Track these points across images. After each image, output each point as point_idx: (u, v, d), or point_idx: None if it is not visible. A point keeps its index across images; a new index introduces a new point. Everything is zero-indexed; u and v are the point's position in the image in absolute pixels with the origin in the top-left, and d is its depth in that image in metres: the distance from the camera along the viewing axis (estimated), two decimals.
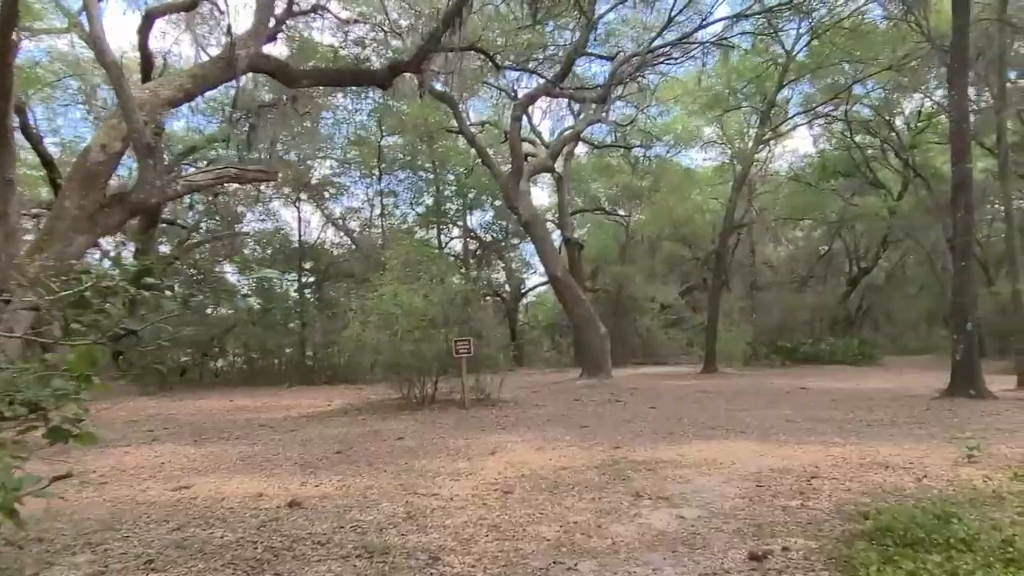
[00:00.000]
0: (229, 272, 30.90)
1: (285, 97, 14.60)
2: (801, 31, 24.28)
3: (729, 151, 33.12)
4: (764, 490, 5.99)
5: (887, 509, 4.81)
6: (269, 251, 29.89)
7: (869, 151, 30.83)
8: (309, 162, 27.52)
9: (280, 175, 12.98)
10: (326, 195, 31.87)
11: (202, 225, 28.32)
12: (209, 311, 25.47)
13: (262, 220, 31.11)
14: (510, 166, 19.90)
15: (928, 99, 28.17)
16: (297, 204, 29.48)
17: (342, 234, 31.85)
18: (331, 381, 20.94)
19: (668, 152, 34.94)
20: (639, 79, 22.84)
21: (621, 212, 36.38)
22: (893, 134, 29.49)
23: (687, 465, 7.27)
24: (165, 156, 19.66)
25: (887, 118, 29.26)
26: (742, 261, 37.16)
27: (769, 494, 5.84)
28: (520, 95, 23.68)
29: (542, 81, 20.09)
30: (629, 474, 6.89)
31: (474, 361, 14.55)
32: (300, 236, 29.49)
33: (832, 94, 25.52)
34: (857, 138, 30.05)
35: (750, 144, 27.12)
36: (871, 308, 39.78)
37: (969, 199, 12.60)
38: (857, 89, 26.21)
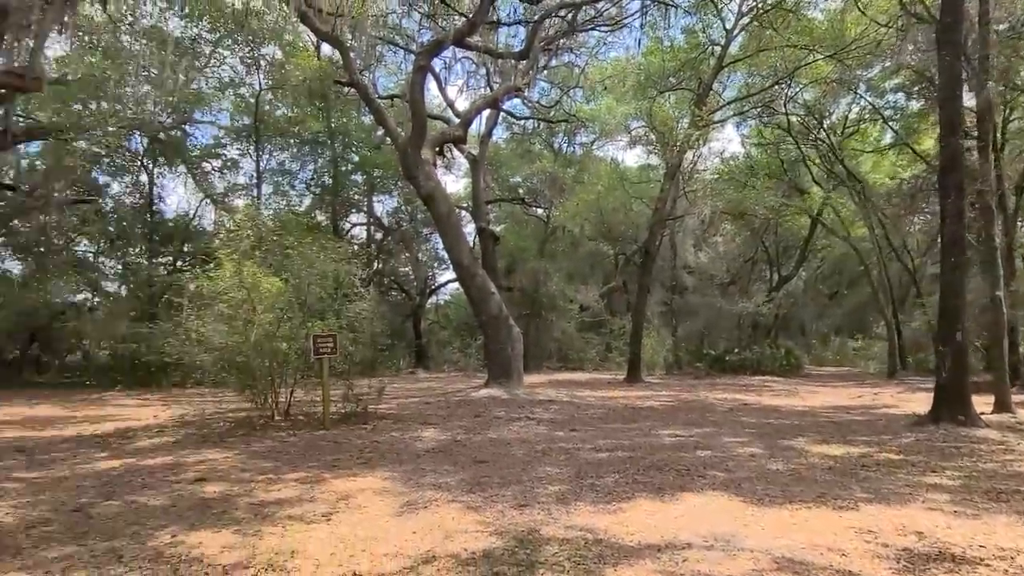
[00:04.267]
0: (84, 249, 26.44)
1: None
2: (743, 10, 22.22)
3: (658, 145, 30.92)
4: None
5: None
6: (138, 228, 25.61)
7: (794, 154, 29.20)
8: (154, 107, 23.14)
9: (44, 84, 9.37)
10: (207, 167, 27.75)
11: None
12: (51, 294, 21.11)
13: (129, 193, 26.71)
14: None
15: (859, 102, 26.78)
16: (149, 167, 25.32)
17: (223, 214, 27.70)
18: (182, 384, 17.09)
19: (594, 142, 32.49)
20: (568, 44, 20.08)
21: (541, 205, 33.58)
22: (823, 135, 27.93)
23: (635, 548, 4.35)
24: None
25: (817, 119, 27.69)
26: (662, 265, 35.16)
27: None
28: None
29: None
30: (541, 573, 3.91)
31: (349, 364, 11.38)
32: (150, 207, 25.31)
33: (772, 80, 23.50)
34: (784, 142, 28.34)
35: (680, 136, 24.89)
36: (788, 317, 38.69)
37: (960, 180, 10.41)
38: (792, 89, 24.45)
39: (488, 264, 23.94)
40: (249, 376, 10.46)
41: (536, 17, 17.50)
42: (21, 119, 21.71)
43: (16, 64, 7.61)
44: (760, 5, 21.18)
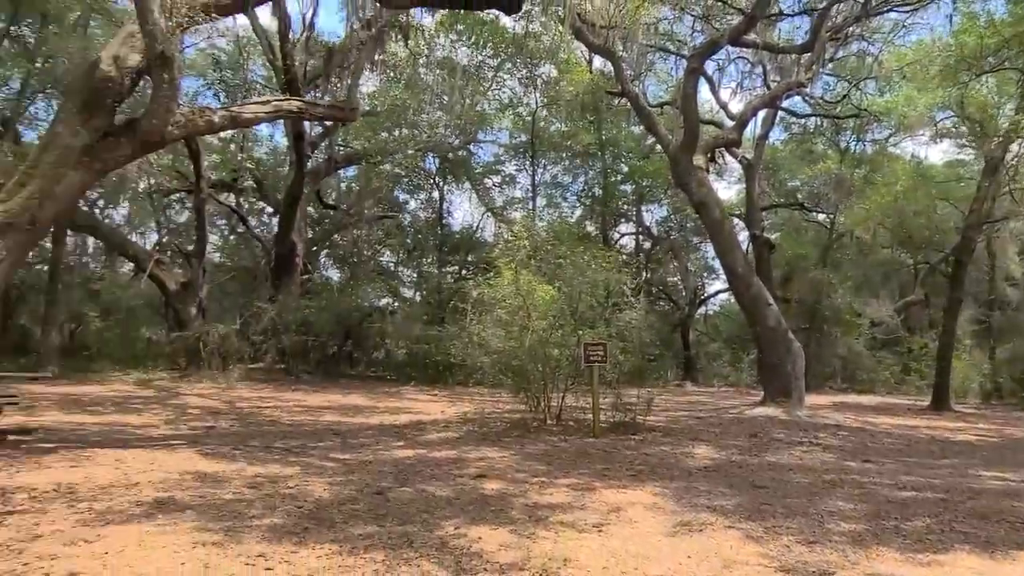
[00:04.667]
0: (386, 259, 30.15)
1: (381, 21, 12.10)
2: None
3: (971, 138, 26.46)
4: None
5: None
6: (431, 240, 28.60)
7: None
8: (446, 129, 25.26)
9: (358, 114, 10.74)
10: (489, 183, 30.01)
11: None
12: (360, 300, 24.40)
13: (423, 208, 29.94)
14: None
15: None
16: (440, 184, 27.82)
17: (501, 226, 29.67)
18: (465, 383, 18.52)
19: (889, 137, 28.92)
20: (859, 31, 18.09)
21: (823, 210, 30.72)
22: None
23: None
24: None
25: None
26: (976, 276, 30.00)
27: None
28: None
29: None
30: None
31: (618, 373, 11.34)
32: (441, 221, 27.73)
33: None
34: None
35: (1005, 124, 20.99)
36: None
37: None
38: None
39: (762, 273, 22.46)
40: (524, 379, 10.91)
41: (823, 4, 16.03)
42: (341, 148, 25.42)
43: (338, 99, 8.79)
44: None
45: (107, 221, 25.05)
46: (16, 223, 6.81)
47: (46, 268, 22.07)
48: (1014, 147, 20.63)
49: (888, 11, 17.63)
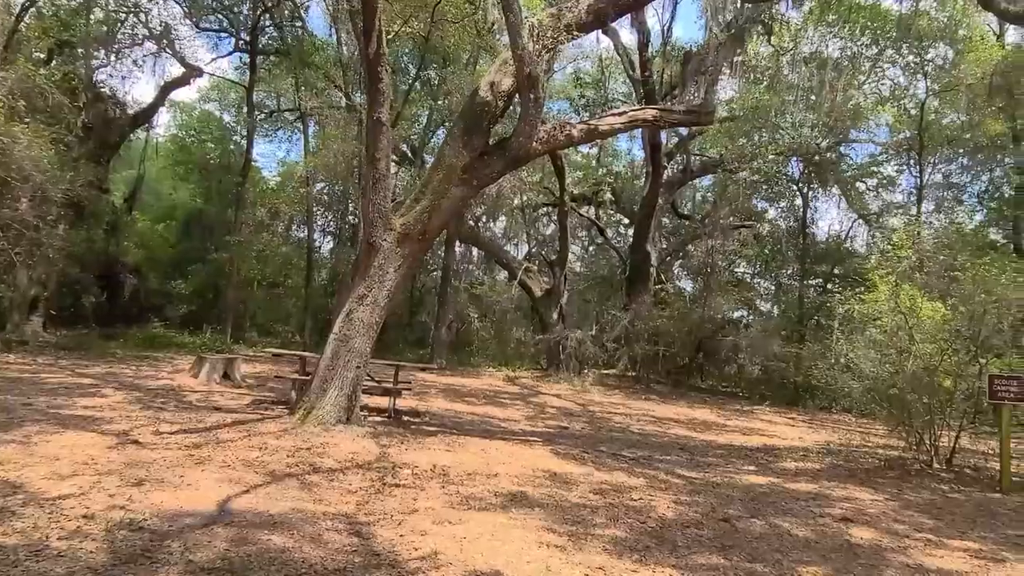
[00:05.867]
0: (742, 270, 28.92)
1: (741, 19, 11.06)
2: None
3: None
4: None
5: None
6: (791, 250, 26.66)
7: None
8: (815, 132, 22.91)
9: (715, 117, 9.99)
10: (861, 187, 26.85)
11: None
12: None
13: (784, 216, 28.03)
14: None
15: None
16: (803, 190, 25.52)
17: (875, 234, 26.27)
18: (828, 408, 16.68)
19: None
20: None
21: None
22: None
23: None
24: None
25: None
26: None
27: None
28: None
29: None
30: None
31: None
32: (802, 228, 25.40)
33: None
34: None
35: None
36: None
37: None
38: None
39: None
40: (903, 411, 9.31)
41: None
42: (697, 157, 25.07)
43: (693, 103, 8.52)
44: None
45: (487, 234, 28.36)
46: (411, 234, 7.93)
47: (439, 274, 25.82)
48: None
49: None
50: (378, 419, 9.32)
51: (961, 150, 25.57)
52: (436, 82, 23.73)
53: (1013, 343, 9.38)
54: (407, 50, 24.34)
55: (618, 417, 13.01)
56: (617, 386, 18.94)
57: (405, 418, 9.75)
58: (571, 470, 7.25)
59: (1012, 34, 20.90)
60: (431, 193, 7.67)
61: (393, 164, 26.08)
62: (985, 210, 26.53)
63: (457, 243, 24.95)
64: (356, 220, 25.44)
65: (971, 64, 21.53)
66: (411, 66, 24.03)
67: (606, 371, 20.36)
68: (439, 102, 23.46)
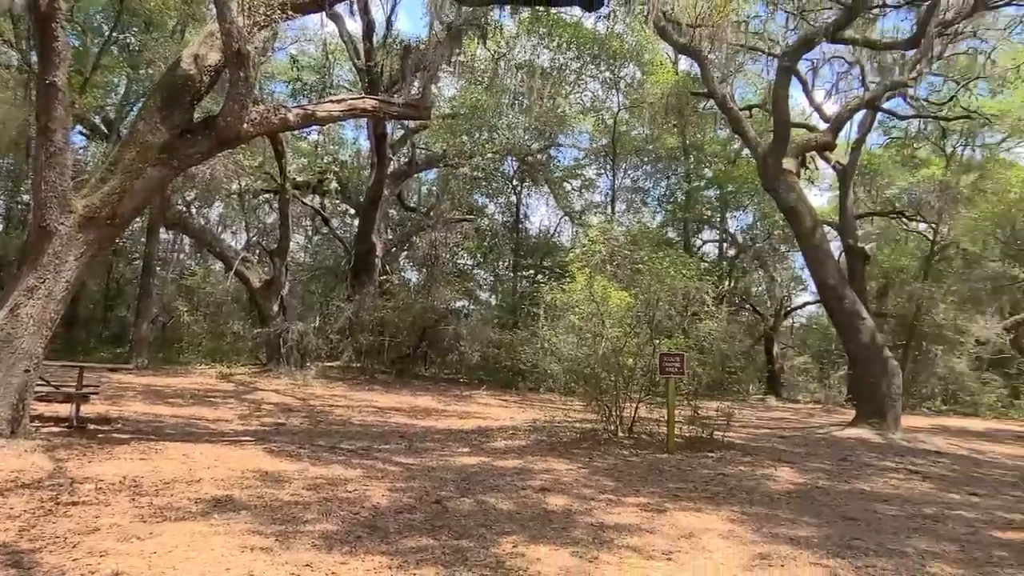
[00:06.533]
0: (464, 262, 30.23)
1: (459, 20, 11.87)
2: None
3: None
4: None
5: None
6: (507, 244, 28.52)
7: None
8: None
9: (431, 112, 10.56)
10: (568, 187, 29.68)
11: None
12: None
13: (501, 212, 29.90)
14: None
15: None
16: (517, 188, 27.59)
17: (578, 230, 29.27)
18: (536, 389, 18.21)
19: (1002, 142, 26.87)
20: (971, 26, 16.77)
21: (925, 219, 28.78)
22: None
23: None
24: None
25: None
26: None
27: None
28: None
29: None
30: None
31: (696, 385, 10.81)
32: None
33: None
34: None
35: None
36: None
37: None
38: None
39: (857, 286, 21.11)
40: (595, 388, 10.51)
41: None
42: (423, 151, 25.64)
43: (413, 97, 8.67)
44: None
45: (200, 221, 26.09)
46: (98, 217, 6.97)
47: (141, 263, 23.19)
48: None
49: (1006, 5, 16.24)
50: (56, 430, 8.09)
51: (646, 159, 29.51)
52: (137, 48, 21.18)
53: (678, 325, 11.08)
54: (100, 8, 21.41)
55: (339, 410, 12.84)
56: (341, 378, 18.68)
57: (92, 426, 8.58)
58: (284, 468, 6.98)
59: (684, 62, 24.59)
60: (122, 172, 6.78)
61: (82, 137, 22.94)
62: (663, 212, 30.95)
63: (163, 230, 22.60)
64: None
65: (653, 85, 24.89)
66: (105, 26, 21.17)
67: (330, 364, 19.97)
68: (140, 71, 20.98)
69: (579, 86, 26.21)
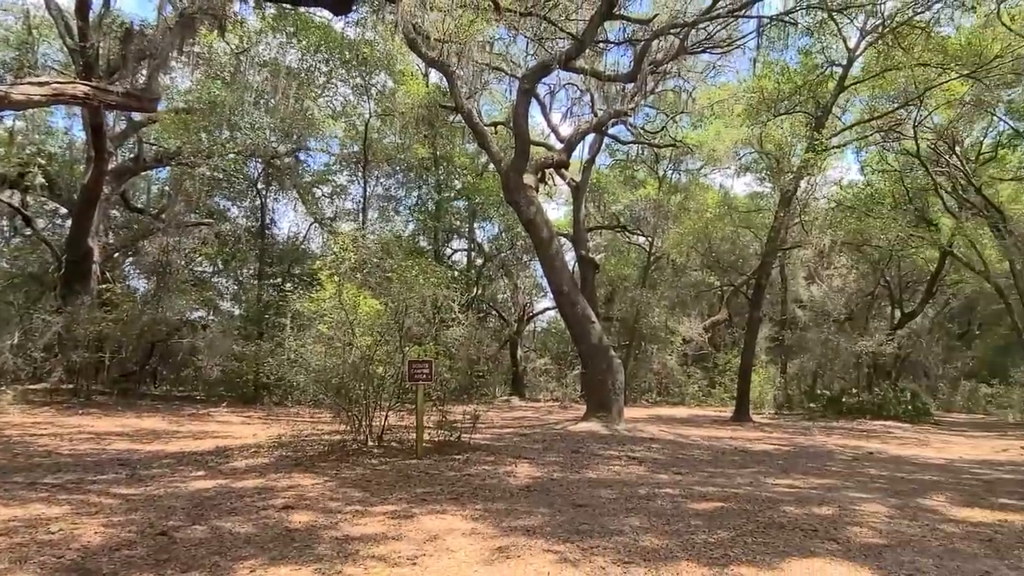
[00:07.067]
0: (202, 269, 27.91)
1: (192, 7, 11.00)
2: (867, 29, 20.93)
3: (769, 173, 29.37)
4: None
5: None
6: (252, 250, 26.75)
7: (922, 181, 26.86)
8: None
9: (157, 105, 9.69)
10: (318, 192, 28.81)
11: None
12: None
13: (246, 216, 28.06)
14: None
15: (997, 126, 24.69)
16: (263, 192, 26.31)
17: (329, 237, 28.53)
18: (282, 403, 17.39)
19: (700, 168, 31.43)
20: (676, 68, 19.41)
21: (643, 233, 32.67)
22: (955, 161, 25.57)
23: None
24: None
25: (949, 144, 25.43)
26: (770, 298, 33.32)
27: None
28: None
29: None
30: None
31: (444, 390, 11.09)
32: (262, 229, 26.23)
33: (900, 102, 21.95)
34: (911, 169, 26.20)
35: (796, 161, 23.55)
36: (910, 358, 35.64)
37: None
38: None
39: (587, 292, 23.32)
40: (344, 399, 10.32)
41: (646, 37, 16.99)
42: (152, 146, 23.20)
43: (136, 87, 7.81)
44: (888, 23, 19.77)
45: None
46: None
47: None
48: (803, 183, 23.10)
49: (702, 52, 19.04)
50: None
51: (398, 168, 29.70)
52: None
53: (428, 332, 11.30)
54: None
55: (44, 439, 11.11)
56: (47, 402, 16.19)
57: None
58: None
59: (434, 75, 25.17)
60: None
61: None
62: (415, 221, 31.38)
63: None
64: None
65: (405, 95, 25.16)
66: None
67: (33, 386, 17.20)
68: None
69: (329, 90, 25.64)
